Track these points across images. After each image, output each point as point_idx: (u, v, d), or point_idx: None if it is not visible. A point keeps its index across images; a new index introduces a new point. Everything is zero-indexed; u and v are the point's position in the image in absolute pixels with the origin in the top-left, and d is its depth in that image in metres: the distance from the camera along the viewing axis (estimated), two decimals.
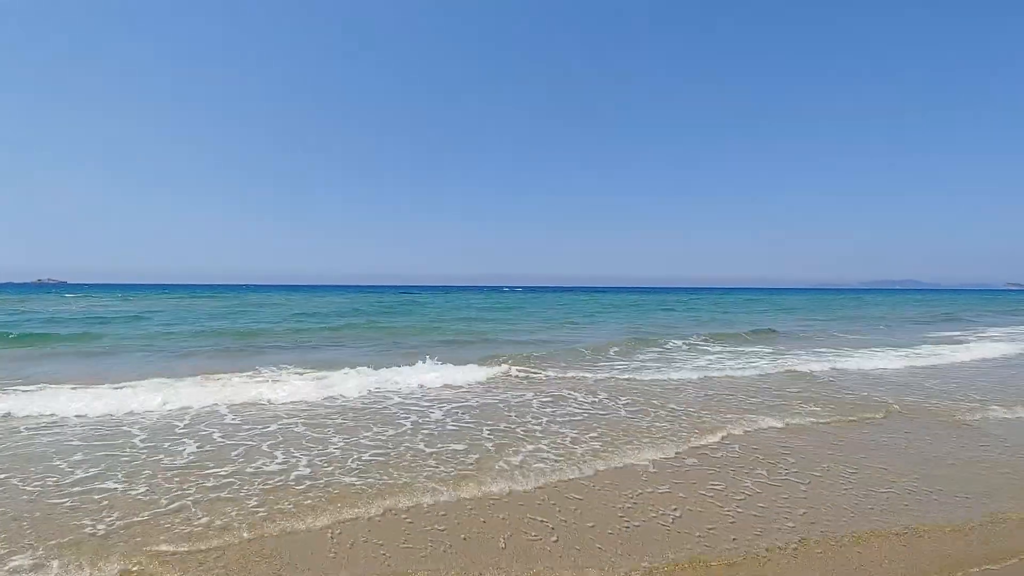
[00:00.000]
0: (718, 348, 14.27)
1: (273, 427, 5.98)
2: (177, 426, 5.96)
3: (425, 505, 3.96)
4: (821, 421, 6.65)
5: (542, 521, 3.72)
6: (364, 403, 7.24)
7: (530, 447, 5.35)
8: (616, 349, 13.33)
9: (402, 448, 5.25)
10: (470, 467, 4.72)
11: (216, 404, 6.90)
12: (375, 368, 9.71)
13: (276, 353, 12.36)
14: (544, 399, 7.56)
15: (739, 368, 10.69)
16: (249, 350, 12.85)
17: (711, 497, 4.21)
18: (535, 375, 9.63)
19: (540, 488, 4.32)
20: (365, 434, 5.75)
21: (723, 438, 5.92)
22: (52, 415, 6.29)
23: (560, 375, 9.65)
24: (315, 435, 5.69)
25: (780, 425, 6.48)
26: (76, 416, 6.28)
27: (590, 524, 3.69)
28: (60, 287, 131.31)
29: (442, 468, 4.68)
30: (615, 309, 34.68)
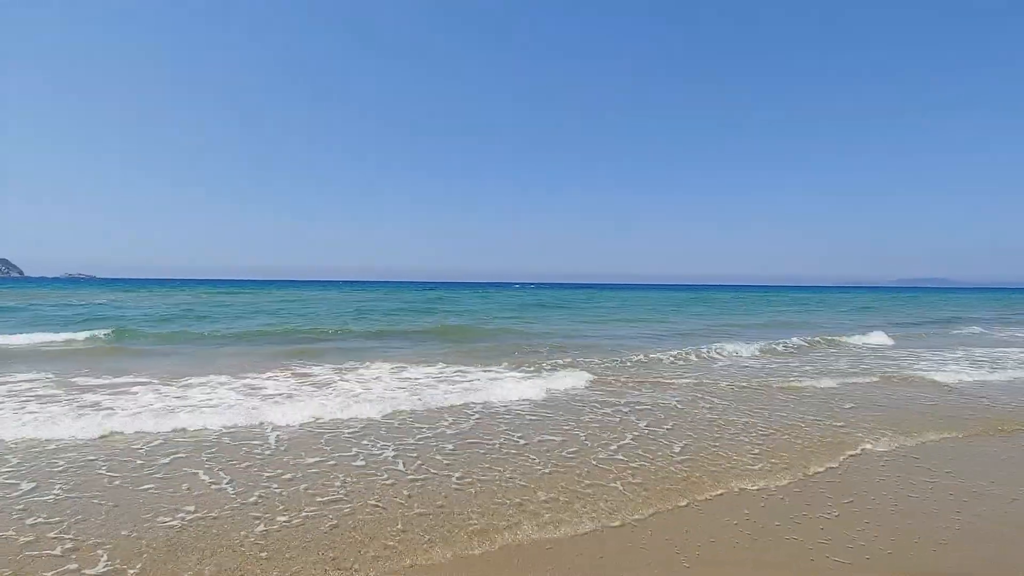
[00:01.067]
0: (822, 352, 13.22)
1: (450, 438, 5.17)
2: (318, 438, 5.19)
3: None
4: (971, 436, 5.59)
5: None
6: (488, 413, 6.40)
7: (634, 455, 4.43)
8: (710, 351, 12.31)
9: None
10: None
11: (371, 418, 6.17)
12: (460, 373, 8.95)
13: (366, 353, 11.56)
14: (648, 408, 6.61)
15: (853, 373, 9.64)
16: (334, 351, 12.11)
17: (861, 524, 3.24)
18: (634, 381, 8.67)
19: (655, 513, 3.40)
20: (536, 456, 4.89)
21: (861, 451, 5.19)
22: (173, 429, 5.57)
23: (659, 380, 8.68)
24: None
25: (936, 438, 5.57)
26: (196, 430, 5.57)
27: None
28: (90, 281, 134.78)
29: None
30: (661, 307, 33.30)
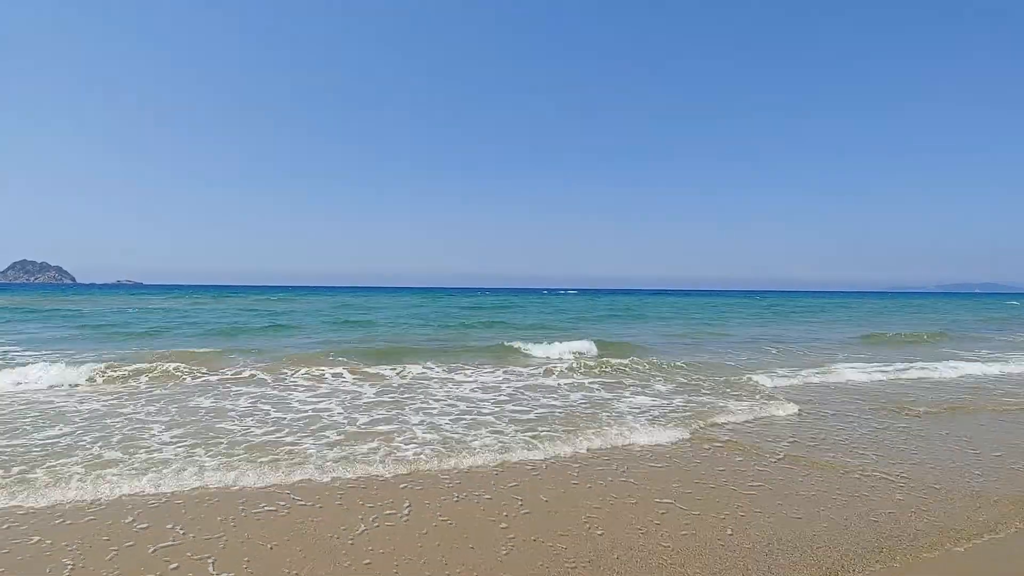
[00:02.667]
0: None
1: None
2: None
3: None
4: None
5: None
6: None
7: None
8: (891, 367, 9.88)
9: None
10: None
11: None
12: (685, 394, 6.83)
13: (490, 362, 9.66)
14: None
15: None
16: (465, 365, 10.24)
17: None
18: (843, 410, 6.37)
19: None
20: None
21: None
22: None
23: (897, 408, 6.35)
24: None
25: None
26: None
27: None
28: (138, 288, 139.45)
29: None
30: (747, 313, 30.07)
